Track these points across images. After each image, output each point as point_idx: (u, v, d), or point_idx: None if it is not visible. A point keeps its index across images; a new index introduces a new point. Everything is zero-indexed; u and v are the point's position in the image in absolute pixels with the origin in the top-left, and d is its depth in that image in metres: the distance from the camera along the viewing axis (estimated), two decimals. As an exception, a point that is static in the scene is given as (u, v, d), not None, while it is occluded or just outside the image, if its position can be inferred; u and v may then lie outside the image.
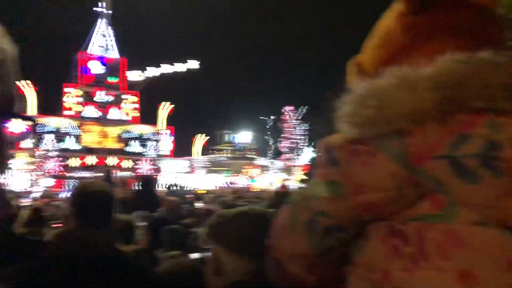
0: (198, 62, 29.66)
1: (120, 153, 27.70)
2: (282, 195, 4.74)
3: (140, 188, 6.79)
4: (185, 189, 11.98)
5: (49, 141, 24.43)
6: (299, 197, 0.82)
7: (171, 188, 9.75)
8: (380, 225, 0.71)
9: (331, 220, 0.74)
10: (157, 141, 29.62)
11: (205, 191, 15.48)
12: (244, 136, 37.57)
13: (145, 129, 29.40)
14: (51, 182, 23.23)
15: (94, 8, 26.71)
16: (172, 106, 30.12)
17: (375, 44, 0.89)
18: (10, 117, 0.58)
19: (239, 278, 1.20)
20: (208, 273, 1.29)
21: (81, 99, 26.70)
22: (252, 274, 1.18)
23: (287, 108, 36.24)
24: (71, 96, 26.34)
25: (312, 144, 33.71)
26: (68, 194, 1.66)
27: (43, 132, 24.61)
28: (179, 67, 29.44)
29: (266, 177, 34.64)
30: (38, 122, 24.32)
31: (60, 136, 25.39)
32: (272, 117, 36.28)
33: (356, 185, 0.72)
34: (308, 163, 29.83)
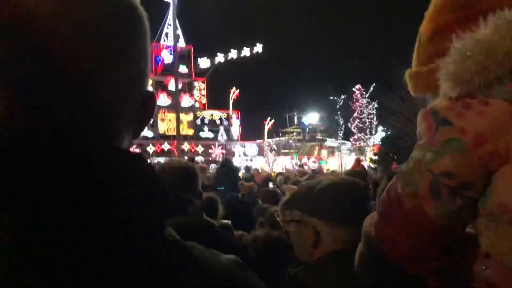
0: (261, 46, 29.68)
1: (192, 139, 28.75)
2: (357, 174, 4.55)
3: (221, 168, 7.14)
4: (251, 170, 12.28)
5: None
6: (411, 165, 0.79)
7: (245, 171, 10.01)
8: (510, 166, 0.69)
9: (457, 179, 0.72)
10: (227, 126, 30.31)
11: (274, 173, 15.67)
12: (313, 118, 37.20)
13: (215, 115, 30.19)
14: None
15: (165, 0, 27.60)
16: (237, 91, 30.57)
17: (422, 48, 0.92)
18: None
19: (337, 247, 1.21)
20: (302, 245, 1.29)
21: (153, 88, 27.94)
22: (350, 243, 1.18)
23: (356, 87, 35.20)
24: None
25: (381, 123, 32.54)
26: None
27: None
28: (245, 52, 29.71)
29: (336, 159, 34.19)
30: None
31: (137, 124, 26.84)
32: (342, 96, 35.36)
33: (476, 136, 0.70)
34: (379, 143, 28.87)
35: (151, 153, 25.90)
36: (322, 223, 1.25)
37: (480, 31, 0.75)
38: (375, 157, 26.29)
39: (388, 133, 29.56)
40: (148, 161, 0.49)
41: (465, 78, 0.74)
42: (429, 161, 0.75)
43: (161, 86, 28.39)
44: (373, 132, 34.65)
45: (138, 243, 0.43)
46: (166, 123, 27.89)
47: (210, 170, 12.77)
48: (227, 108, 30.82)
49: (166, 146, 26.61)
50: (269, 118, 32.92)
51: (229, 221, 2.58)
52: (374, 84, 33.41)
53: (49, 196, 0.40)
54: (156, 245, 0.45)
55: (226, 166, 7.12)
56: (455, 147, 0.72)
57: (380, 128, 33.66)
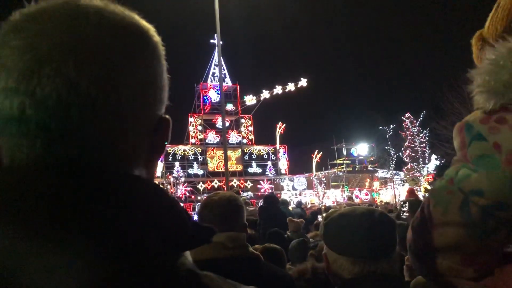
0: (306, 80, 29.87)
1: (241, 175, 28.97)
2: (411, 204, 4.43)
3: (263, 205, 7.08)
4: (302, 205, 12.10)
5: (177, 168, 26.57)
6: (443, 183, 0.74)
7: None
8: None
9: (488, 197, 0.66)
10: (274, 160, 30.36)
11: (324, 207, 15.39)
12: (362, 149, 36.44)
13: (263, 150, 30.39)
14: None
15: (211, 41, 28.69)
16: (284, 125, 30.72)
17: (500, 17, 0.83)
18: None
19: (349, 277, 1.22)
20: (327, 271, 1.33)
21: (201, 127, 28.69)
22: (360, 275, 1.20)
23: (406, 115, 34.31)
24: (194, 125, 28.48)
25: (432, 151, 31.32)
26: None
27: (172, 160, 26.83)
28: (290, 87, 30.01)
29: (389, 190, 33.05)
30: (169, 151, 26.65)
31: (187, 163, 27.51)
32: (391, 125, 34.52)
33: (510, 152, 0.64)
34: (433, 172, 27.70)
35: (201, 190, 26.30)
36: (329, 250, 1.30)
37: None
38: (430, 187, 25.17)
39: (443, 161, 28.42)
40: (160, 186, 0.49)
41: (499, 90, 0.70)
42: (460, 179, 0.70)
43: (209, 125, 29.16)
44: (427, 161, 33.36)
45: (147, 270, 0.42)
46: (215, 160, 28.39)
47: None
48: (274, 143, 30.98)
49: (215, 183, 26.95)
50: (316, 151, 32.68)
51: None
52: (424, 111, 32.48)
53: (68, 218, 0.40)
54: (168, 274, 0.44)
55: (267, 202, 7.10)
56: (487, 163, 0.67)
57: (433, 156, 32.39)
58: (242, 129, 30.25)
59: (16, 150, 0.47)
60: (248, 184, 28.45)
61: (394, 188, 32.02)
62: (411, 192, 7.08)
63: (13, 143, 0.47)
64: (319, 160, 32.88)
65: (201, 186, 26.80)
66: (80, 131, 0.46)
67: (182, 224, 0.47)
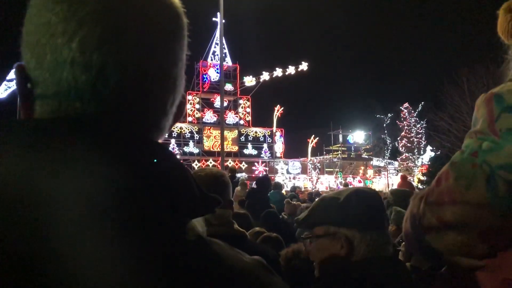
0: (307, 64, 29.64)
1: (236, 156, 29.00)
2: (401, 194, 4.35)
3: (254, 187, 7.05)
4: (296, 190, 12.19)
5: (173, 145, 26.54)
6: (466, 156, 0.71)
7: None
8: None
9: None
10: (270, 143, 30.37)
11: (315, 192, 15.47)
12: (358, 136, 36.48)
13: (259, 132, 30.37)
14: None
15: (213, 18, 28.31)
16: (281, 108, 30.64)
17: None
18: None
19: (372, 253, 1.23)
20: (332, 258, 1.28)
21: (199, 106, 28.55)
22: (384, 247, 1.24)
23: (404, 105, 34.29)
24: (192, 103, 28.34)
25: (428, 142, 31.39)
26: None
27: (168, 137, 26.79)
28: (290, 70, 29.81)
29: (382, 178, 33.25)
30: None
31: (183, 141, 27.47)
32: (389, 114, 34.51)
33: None
34: (427, 163, 27.81)
35: (196, 168, 26.32)
36: (353, 231, 1.26)
37: None
38: (424, 178, 25.35)
39: (438, 153, 28.54)
40: (178, 157, 0.52)
41: None
42: (486, 152, 0.67)
43: (207, 104, 29.02)
44: (422, 152, 33.49)
45: (157, 233, 0.41)
46: (211, 140, 28.35)
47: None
48: (271, 125, 30.93)
49: (210, 162, 26.98)
50: (313, 136, 32.69)
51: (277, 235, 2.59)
52: (422, 102, 32.46)
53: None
54: (178, 238, 0.44)
55: (261, 184, 7.05)
56: None
57: (428, 148, 32.52)
58: (240, 110, 30.14)
59: (55, 107, 0.47)
60: (243, 166, 28.50)
61: (387, 177, 32.20)
62: (404, 179, 6.90)
63: (52, 103, 0.47)
64: (315, 145, 32.94)
65: (196, 164, 26.82)
66: (119, 103, 0.48)
67: (191, 190, 0.47)
